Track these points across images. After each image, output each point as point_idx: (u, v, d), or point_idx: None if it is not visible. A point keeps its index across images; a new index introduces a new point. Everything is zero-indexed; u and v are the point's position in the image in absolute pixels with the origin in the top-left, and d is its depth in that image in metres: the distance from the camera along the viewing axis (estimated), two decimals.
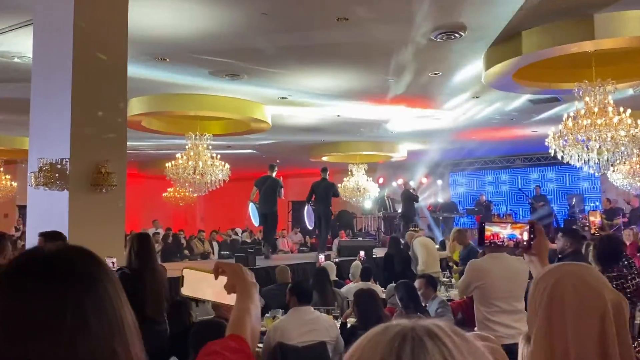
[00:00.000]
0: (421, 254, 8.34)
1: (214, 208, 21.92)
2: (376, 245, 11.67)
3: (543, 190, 16.09)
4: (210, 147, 10.16)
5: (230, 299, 1.22)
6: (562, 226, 13.97)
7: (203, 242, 13.48)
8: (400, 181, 15.76)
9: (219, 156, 10.30)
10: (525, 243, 1.70)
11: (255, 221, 10.65)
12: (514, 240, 1.73)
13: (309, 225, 12.57)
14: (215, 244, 13.72)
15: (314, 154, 15.13)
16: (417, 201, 14.17)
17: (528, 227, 1.70)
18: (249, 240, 14.43)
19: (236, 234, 15.73)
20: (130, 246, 4.01)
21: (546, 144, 7.55)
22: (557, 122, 7.78)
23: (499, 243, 1.74)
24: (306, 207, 12.21)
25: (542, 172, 17.02)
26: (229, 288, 1.22)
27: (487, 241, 1.75)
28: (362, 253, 8.60)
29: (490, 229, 1.76)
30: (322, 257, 8.00)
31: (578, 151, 7.13)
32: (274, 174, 10.38)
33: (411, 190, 14.04)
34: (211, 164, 10.06)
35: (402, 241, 9.26)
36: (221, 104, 9.36)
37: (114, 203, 5.04)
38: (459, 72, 8.12)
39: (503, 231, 1.75)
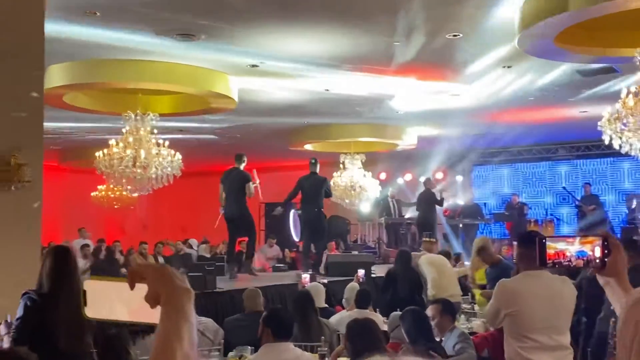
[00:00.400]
0: (430, 274, 8.41)
1: (160, 212, 21.89)
2: (376, 262, 11.76)
3: (594, 189, 16.31)
4: (155, 132, 10.13)
5: (154, 316, 1.11)
6: (620, 236, 14.18)
7: (145, 256, 13.43)
8: (422, 178, 15.88)
9: (167, 143, 10.27)
10: (597, 261, 1.77)
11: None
12: (584, 258, 1.79)
13: (295, 236, 12.62)
14: (161, 259, 13.69)
15: (295, 140, 15.18)
16: (441, 205, 14.27)
17: (601, 241, 1.77)
18: (207, 255, 14.43)
19: (190, 246, 15.71)
20: (42, 263, 4.01)
21: (599, 128, 7.64)
22: (614, 99, 7.88)
23: (564, 263, 1.82)
24: (292, 211, 12.22)
25: (594, 165, 17.24)
26: (152, 299, 1.11)
27: (551, 261, 1.83)
28: (360, 272, 8.66)
29: (554, 246, 1.83)
30: (305, 277, 8.03)
31: None
32: (241, 166, 10.42)
33: (435, 192, 14.14)
34: (157, 154, 10.05)
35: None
36: (171, 74, 9.35)
37: (26, 205, 5.00)
38: (485, 34, 8.17)
39: (570, 247, 1.81)
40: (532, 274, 4.12)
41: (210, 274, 7.91)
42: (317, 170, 11.20)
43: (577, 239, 1.81)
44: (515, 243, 4.45)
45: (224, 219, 10.38)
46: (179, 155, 10.37)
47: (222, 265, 9.82)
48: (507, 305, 4.07)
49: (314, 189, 10.91)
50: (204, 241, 15.96)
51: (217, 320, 6.05)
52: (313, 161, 11.33)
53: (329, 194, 11.38)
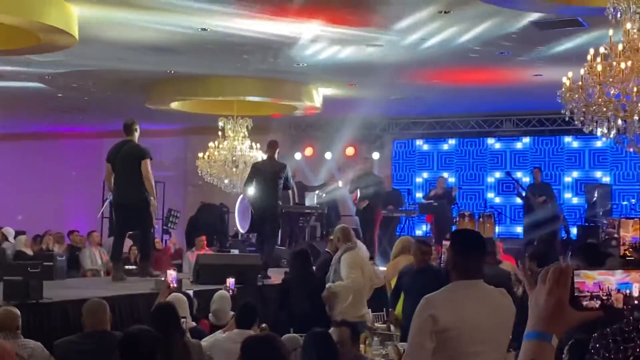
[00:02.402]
0: (345, 283, 8.51)
1: None
2: (263, 265, 11.77)
3: (546, 175, 16.96)
4: None
5: None
6: (575, 238, 14.85)
7: None
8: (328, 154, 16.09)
9: None
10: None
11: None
12: (625, 293, 1.88)
13: (242, 228, 13.08)
14: None
15: (155, 96, 14.99)
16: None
17: None
18: (28, 252, 14.00)
19: (5, 238, 15.15)
20: None
21: (558, 98, 7.93)
22: (578, 62, 8.17)
23: (603, 297, 1.89)
24: (240, 197, 12.99)
25: (547, 145, 17.92)
26: None
27: (583, 292, 1.90)
28: (230, 281, 8.63)
29: (592, 276, 1.91)
30: (172, 278, 7.96)
31: (609, 113, 7.56)
32: (134, 137, 10.50)
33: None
34: None
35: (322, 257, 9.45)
36: None
37: None
38: None
39: (610, 278, 1.89)
40: (466, 284, 4.23)
41: (35, 278, 7.68)
42: (276, 155, 11.79)
43: (618, 271, 1.88)
44: (446, 244, 4.54)
45: (113, 206, 10.62)
46: None
47: (51, 267, 9.58)
48: (436, 326, 4.14)
49: (270, 177, 11.43)
50: (24, 233, 15.44)
51: (46, 342, 5.91)
52: (271, 143, 11.88)
53: (288, 187, 11.93)
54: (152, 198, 10.28)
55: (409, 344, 4.35)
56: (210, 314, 8.21)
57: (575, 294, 1.89)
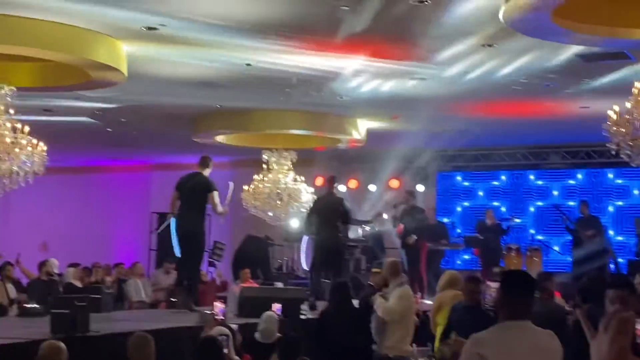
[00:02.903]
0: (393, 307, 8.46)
1: (12, 222, 21.42)
2: (308, 298, 11.75)
3: (594, 208, 16.72)
4: (12, 112, 9.92)
5: None
6: (624, 273, 14.58)
7: None
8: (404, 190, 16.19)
9: (27, 129, 10.07)
10: None
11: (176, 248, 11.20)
12: None
13: (305, 264, 13.80)
14: (11, 287, 13.34)
15: (202, 128, 15.12)
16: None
17: None
18: (77, 284, 14.13)
19: (50, 273, 15.05)
20: None
21: (604, 132, 7.86)
22: (625, 94, 8.11)
23: None
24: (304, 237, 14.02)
25: (595, 177, 17.69)
26: None
27: None
28: (276, 306, 8.65)
29: None
30: (219, 310, 8.02)
31: None
32: (206, 172, 11.03)
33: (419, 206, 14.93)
34: (13, 141, 9.83)
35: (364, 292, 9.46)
36: (35, 33, 9.16)
37: None
38: (461, 1, 8.30)
39: None
40: (515, 325, 4.21)
41: (82, 311, 7.74)
42: (335, 190, 12.77)
43: None
44: (495, 284, 4.53)
45: (176, 234, 10.90)
46: (42, 146, 10.17)
47: (98, 299, 9.67)
48: None
49: (330, 211, 12.07)
50: (73, 265, 15.55)
51: None
52: (330, 179, 12.76)
53: (347, 220, 12.48)
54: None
55: None
56: (256, 333, 8.30)
57: (638, 341, 1.89)
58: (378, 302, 8.45)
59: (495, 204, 18.08)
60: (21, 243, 20.16)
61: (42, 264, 13.99)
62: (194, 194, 10.75)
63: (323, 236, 12.09)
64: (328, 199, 12.43)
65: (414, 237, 14.46)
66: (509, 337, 4.21)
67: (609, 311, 1.90)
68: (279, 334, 8.09)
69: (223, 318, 8.11)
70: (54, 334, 7.02)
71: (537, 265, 15.51)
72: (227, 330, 7.66)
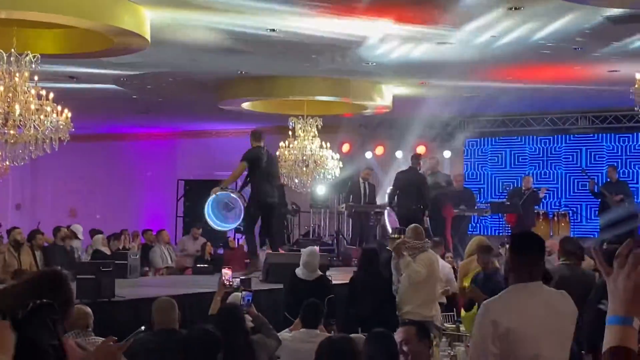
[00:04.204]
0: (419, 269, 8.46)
1: (40, 189, 21.63)
2: (333, 263, 11.81)
3: (623, 173, 16.61)
4: (36, 78, 9.95)
5: None
6: None
7: (19, 248, 13.19)
8: (399, 153, 16.32)
9: (52, 95, 10.10)
10: None
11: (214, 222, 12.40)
12: None
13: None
14: (40, 255, 13.50)
15: (226, 95, 15.08)
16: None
17: None
18: (106, 250, 14.27)
19: (75, 236, 15.27)
20: None
21: (631, 95, 7.77)
22: None
23: None
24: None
25: (624, 142, 17.54)
26: None
27: None
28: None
29: None
30: (233, 280, 7.97)
31: None
32: (262, 144, 12.24)
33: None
34: (38, 109, 9.86)
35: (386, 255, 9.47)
36: (58, 0, 9.16)
37: None
38: None
39: None
40: (526, 288, 4.21)
41: (108, 277, 7.84)
42: (419, 165, 14.17)
43: None
44: (506, 246, 4.52)
45: (258, 205, 11.97)
46: (67, 113, 10.20)
47: (124, 265, 9.78)
48: (495, 329, 4.13)
49: (413, 184, 13.59)
50: (100, 233, 15.71)
51: (118, 340, 5.97)
52: (415, 156, 14.10)
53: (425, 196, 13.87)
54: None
55: (472, 350, 4.33)
56: (298, 269, 8.72)
57: None
58: (406, 261, 8.42)
59: (524, 170, 17.94)
60: (50, 210, 20.49)
61: (56, 230, 14.15)
62: (274, 168, 12.46)
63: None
64: (411, 173, 13.73)
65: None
66: (521, 300, 4.22)
67: (621, 250, 1.93)
68: (319, 272, 8.36)
69: (233, 285, 7.98)
70: (80, 299, 7.09)
71: (564, 230, 15.43)
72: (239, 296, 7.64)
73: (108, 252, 14.33)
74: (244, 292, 7.08)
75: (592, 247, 2.15)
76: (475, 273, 8.40)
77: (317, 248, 9.21)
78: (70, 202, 20.97)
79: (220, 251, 16.02)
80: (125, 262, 10.12)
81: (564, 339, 4.28)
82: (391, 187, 14.09)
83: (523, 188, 16.43)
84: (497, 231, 17.30)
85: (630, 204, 15.33)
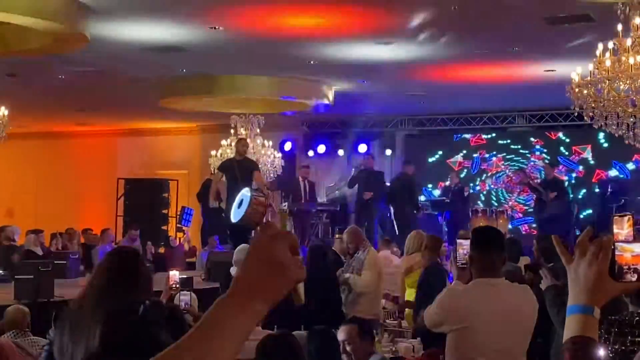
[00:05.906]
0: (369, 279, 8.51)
1: None
2: None
3: (560, 170, 16.87)
4: None
5: None
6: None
7: None
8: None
9: None
10: None
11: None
12: None
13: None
14: None
15: (168, 94, 15.00)
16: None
17: None
18: (37, 251, 13.85)
19: (10, 238, 14.79)
20: None
21: (567, 94, 7.90)
22: (587, 57, 8.14)
23: None
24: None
25: (560, 140, 17.75)
26: None
27: (626, 267, 1.89)
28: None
29: (630, 249, 1.90)
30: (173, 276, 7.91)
31: (618, 109, 7.52)
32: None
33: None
34: None
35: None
36: None
37: None
38: None
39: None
40: (488, 282, 4.26)
41: (46, 277, 7.74)
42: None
43: None
44: (465, 242, 4.55)
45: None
46: (4, 110, 10.07)
47: (63, 265, 9.64)
48: (453, 319, 4.20)
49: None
50: (35, 232, 15.27)
51: None
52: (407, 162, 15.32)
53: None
54: None
55: (426, 312, 4.42)
56: (232, 268, 8.39)
57: (616, 264, 1.90)
58: (352, 280, 8.49)
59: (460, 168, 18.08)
60: None
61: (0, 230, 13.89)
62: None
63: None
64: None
65: (371, 193, 15.14)
66: (481, 294, 4.26)
67: (582, 238, 1.91)
68: None
69: (179, 287, 7.83)
70: (18, 300, 7.01)
71: (504, 227, 15.61)
72: (187, 298, 7.56)
73: (40, 252, 13.98)
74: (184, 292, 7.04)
75: (553, 236, 2.12)
76: (423, 270, 8.33)
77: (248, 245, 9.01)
78: (7, 202, 20.60)
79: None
80: (64, 262, 9.97)
81: (522, 333, 4.34)
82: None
83: (451, 184, 16.73)
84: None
85: (564, 201, 15.50)
